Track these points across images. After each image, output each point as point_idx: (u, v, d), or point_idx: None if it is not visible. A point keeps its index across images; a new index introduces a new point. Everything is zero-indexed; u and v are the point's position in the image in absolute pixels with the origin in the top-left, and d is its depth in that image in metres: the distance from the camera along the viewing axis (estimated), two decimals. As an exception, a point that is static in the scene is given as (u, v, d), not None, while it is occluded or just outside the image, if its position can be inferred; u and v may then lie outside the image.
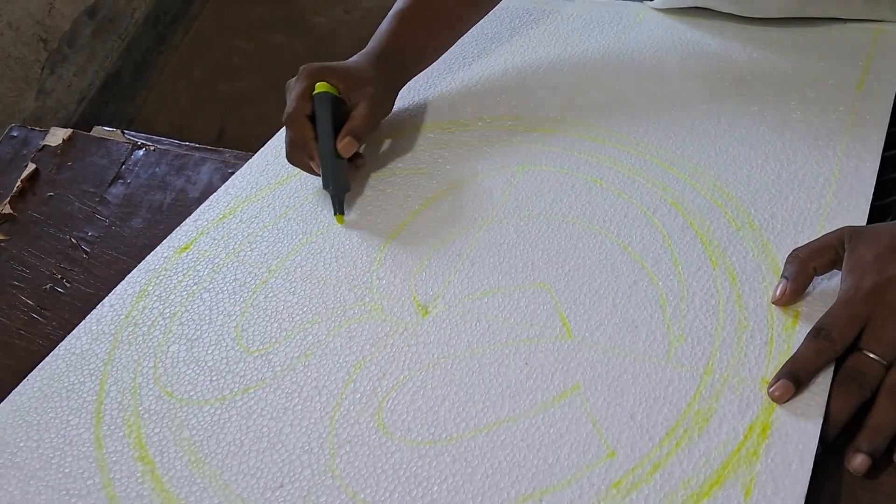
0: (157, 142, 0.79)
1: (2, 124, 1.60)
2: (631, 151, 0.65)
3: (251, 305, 0.59)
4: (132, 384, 0.55)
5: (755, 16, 0.75)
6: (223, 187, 0.70)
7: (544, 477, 0.44)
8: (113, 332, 0.59)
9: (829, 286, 0.51)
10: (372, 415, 0.49)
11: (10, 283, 0.67)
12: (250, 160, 0.73)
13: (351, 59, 0.69)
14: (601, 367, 0.49)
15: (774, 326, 0.49)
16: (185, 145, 0.78)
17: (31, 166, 0.78)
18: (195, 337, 0.57)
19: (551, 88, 0.73)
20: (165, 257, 0.64)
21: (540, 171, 0.65)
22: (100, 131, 0.82)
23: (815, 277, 0.50)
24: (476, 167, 0.66)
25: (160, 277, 0.62)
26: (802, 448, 0.43)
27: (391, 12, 0.72)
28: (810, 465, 0.42)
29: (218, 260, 0.63)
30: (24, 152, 0.81)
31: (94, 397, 0.54)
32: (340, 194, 0.64)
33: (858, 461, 0.43)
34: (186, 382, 0.54)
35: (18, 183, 0.77)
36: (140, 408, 0.53)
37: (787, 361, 0.46)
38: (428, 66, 0.74)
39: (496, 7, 0.77)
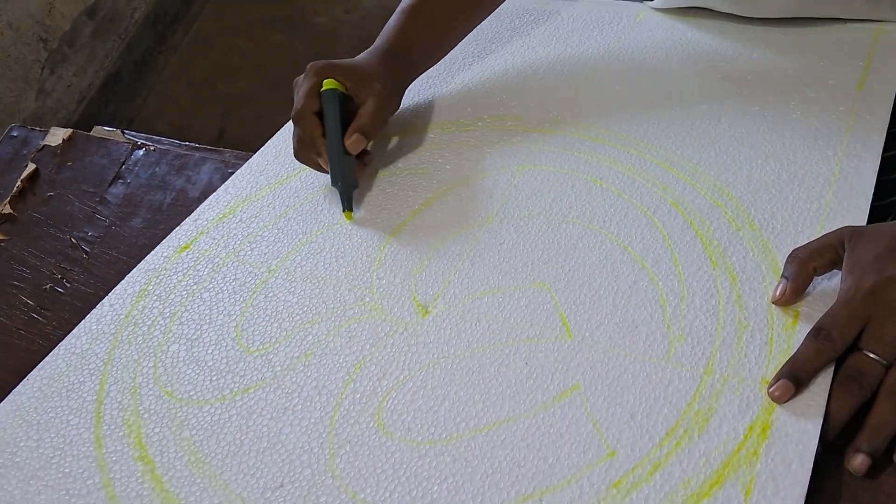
0: (157, 142, 0.79)
1: (2, 124, 1.60)
2: (631, 151, 0.65)
3: (251, 305, 0.59)
4: (132, 384, 0.55)
5: (755, 16, 0.75)
6: (223, 187, 0.70)
7: (544, 477, 0.44)
8: (113, 331, 0.59)
9: (829, 286, 0.51)
10: (372, 415, 0.49)
11: (10, 283, 0.67)
12: (250, 160, 0.73)
13: (358, 57, 0.69)
14: (601, 367, 0.49)
15: (774, 326, 0.49)
16: (185, 145, 0.78)
17: (31, 166, 0.78)
18: (195, 337, 0.57)
19: (551, 88, 0.73)
20: (165, 257, 0.64)
21: (540, 171, 0.65)
22: (100, 131, 0.82)
23: (815, 277, 0.50)
24: (476, 167, 0.66)
25: (160, 277, 0.62)
26: (802, 448, 0.43)
27: (399, 9, 0.72)
28: (810, 465, 0.42)
29: (218, 259, 0.63)
30: (24, 152, 0.81)
31: (94, 397, 0.54)
32: (349, 191, 0.64)
33: (858, 461, 0.43)
34: (186, 382, 0.54)
35: (18, 183, 0.77)
36: (140, 407, 0.53)
37: (787, 361, 0.46)
38: (435, 63, 0.74)
39: (497, 7, 0.77)
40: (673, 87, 0.71)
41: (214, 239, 0.65)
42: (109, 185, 0.75)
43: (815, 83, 0.67)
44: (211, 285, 0.61)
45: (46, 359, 0.57)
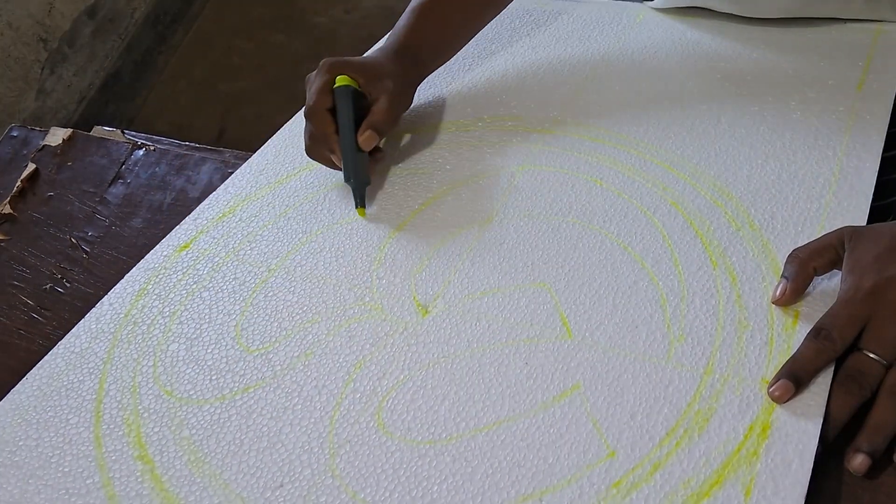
0: (157, 142, 0.79)
1: (2, 124, 1.60)
2: (631, 151, 0.65)
3: (251, 304, 0.59)
4: (132, 383, 0.55)
5: (755, 16, 0.75)
6: (223, 186, 0.70)
7: (544, 477, 0.44)
8: (112, 330, 0.59)
9: (829, 286, 0.51)
10: (372, 414, 0.49)
11: (10, 283, 0.67)
12: (250, 159, 0.73)
13: (369, 54, 0.69)
14: (601, 367, 0.49)
15: (774, 326, 0.49)
16: (185, 145, 0.78)
17: (31, 166, 0.78)
18: (195, 336, 0.57)
19: (551, 88, 0.73)
20: (165, 256, 0.64)
21: (540, 171, 0.65)
22: (100, 131, 0.82)
23: (815, 277, 0.50)
24: (476, 167, 0.66)
25: (160, 276, 0.62)
26: (802, 448, 0.43)
27: (409, 8, 0.72)
28: (810, 465, 0.42)
29: (217, 259, 0.63)
30: (24, 152, 0.81)
31: (94, 396, 0.54)
32: (361, 188, 0.64)
33: (858, 461, 0.42)
34: (186, 381, 0.54)
35: (18, 183, 0.77)
36: (139, 407, 0.53)
37: (787, 361, 0.46)
38: (445, 62, 0.74)
39: (506, 6, 0.77)
40: (673, 87, 0.71)
41: (214, 238, 0.65)
42: (109, 185, 0.75)
43: (815, 83, 0.67)
44: (211, 284, 0.61)
45: (46, 358, 0.57)
